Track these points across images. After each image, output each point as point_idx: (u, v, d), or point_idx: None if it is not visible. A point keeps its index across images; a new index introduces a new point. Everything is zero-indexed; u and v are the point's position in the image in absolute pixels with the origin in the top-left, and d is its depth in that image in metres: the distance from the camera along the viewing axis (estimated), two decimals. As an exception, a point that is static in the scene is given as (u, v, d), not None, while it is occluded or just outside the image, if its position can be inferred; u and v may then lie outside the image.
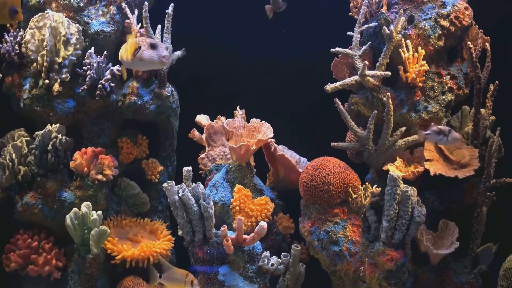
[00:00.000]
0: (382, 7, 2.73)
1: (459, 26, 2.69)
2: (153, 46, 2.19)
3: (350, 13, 2.95)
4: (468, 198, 2.65)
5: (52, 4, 2.89)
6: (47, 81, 2.76)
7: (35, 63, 2.77)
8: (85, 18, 2.91)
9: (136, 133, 3.08)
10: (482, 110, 2.64)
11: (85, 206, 2.60)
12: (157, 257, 2.69)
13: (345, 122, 2.68)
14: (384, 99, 2.60)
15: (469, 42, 2.59)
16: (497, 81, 2.61)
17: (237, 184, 2.79)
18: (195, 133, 3.16)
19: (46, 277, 2.68)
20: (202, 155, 3.09)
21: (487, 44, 2.68)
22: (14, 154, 2.68)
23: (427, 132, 2.45)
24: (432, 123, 2.52)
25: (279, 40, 3.35)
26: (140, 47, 2.18)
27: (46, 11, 2.82)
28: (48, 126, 2.73)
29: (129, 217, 2.92)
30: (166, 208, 3.13)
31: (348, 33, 2.78)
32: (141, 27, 2.90)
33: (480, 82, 2.59)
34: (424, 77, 2.65)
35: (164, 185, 2.50)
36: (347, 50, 2.74)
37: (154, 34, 2.87)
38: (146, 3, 2.83)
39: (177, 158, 3.21)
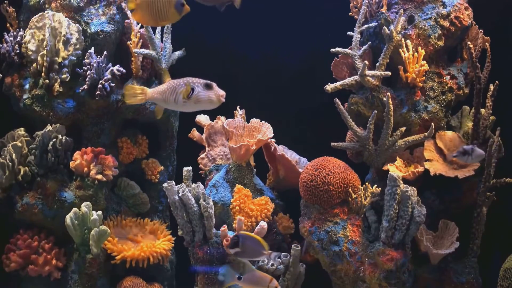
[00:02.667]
0: (382, 7, 2.73)
1: (459, 26, 2.68)
2: (208, 86, 2.09)
3: (350, 13, 2.95)
4: (468, 198, 2.65)
5: (52, 4, 2.89)
6: (47, 81, 2.76)
7: (35, 63, 2.77)
8: (85, 18, 2.90)
9: (136, 133, 3.07)
10: (482, 110, 2.64)
11: (85, 206, 2.61)
12: (157, 257, 2.69)
13: (345, 122, 2.68)
14: (384, 99, 2.60)
15: (469, 42, 2.59)
16: (497, 81, 2.61)
17: (237, 184, 2.78)
18: (195, 133, 3.16)
19: (46, 277, 2.68)
20: (202, 155, 3.09)
21: (487, 44, 2.68)
22: (14, 154, 2.68)
23: (454, 154, 2.47)
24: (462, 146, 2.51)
25: (279, 40, 3.35)
26: (193, 89, 2.08)
27: (46, 11, 2.82)
28: (48, 126, 2.73)
29: (129, 217, 2.92)
30: (166, 208, 3.13)
31: (348, 33, 2.78)
32: (141, 27, 2.90)
33: (480, 82, 2.59)
34: (424, 77, 2.64)
35: (164, 185, 2.50)
36: (347, 50, 2.74)
37: (154, 34, 2.87)
38: (146, 3, 2.83)
39: (177, 158, 3.21)
